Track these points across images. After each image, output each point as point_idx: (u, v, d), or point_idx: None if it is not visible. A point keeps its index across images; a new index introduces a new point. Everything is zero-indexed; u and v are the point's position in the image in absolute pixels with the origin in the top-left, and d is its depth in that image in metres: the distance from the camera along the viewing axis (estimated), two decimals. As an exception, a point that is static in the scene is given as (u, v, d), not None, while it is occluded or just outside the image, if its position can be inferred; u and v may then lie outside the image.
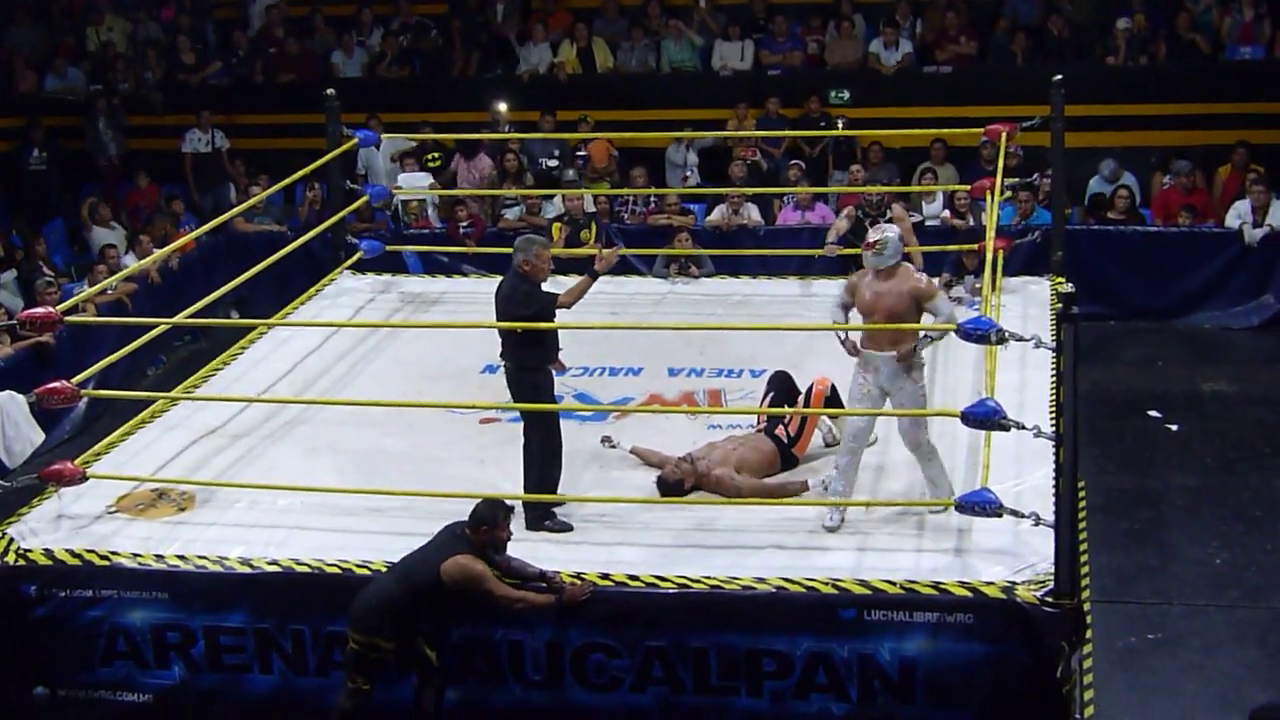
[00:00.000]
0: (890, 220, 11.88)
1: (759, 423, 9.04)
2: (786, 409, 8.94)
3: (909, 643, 7.30)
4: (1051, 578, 7.23)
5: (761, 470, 8.68)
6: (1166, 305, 14.22)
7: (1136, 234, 14.34)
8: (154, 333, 10.34)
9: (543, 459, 8.27)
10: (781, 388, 9.19)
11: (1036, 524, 7.40)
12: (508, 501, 7.60)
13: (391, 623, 7.32)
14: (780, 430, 8.89)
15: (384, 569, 7.61)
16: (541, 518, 8.21)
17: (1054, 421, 7.40)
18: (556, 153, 15.89)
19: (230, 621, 7.88)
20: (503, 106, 16.51)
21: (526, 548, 7.70)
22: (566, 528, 8.18)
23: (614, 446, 8.95)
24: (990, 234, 9.64)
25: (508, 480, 8.52)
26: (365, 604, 7.35)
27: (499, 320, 8.24)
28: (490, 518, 7.40)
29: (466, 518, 7.45)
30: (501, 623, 7.57)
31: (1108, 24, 16.53)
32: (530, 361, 8.22)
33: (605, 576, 7.58)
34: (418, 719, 7.62)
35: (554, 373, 8.37)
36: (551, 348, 8.31)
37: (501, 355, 8.36)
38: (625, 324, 10.98)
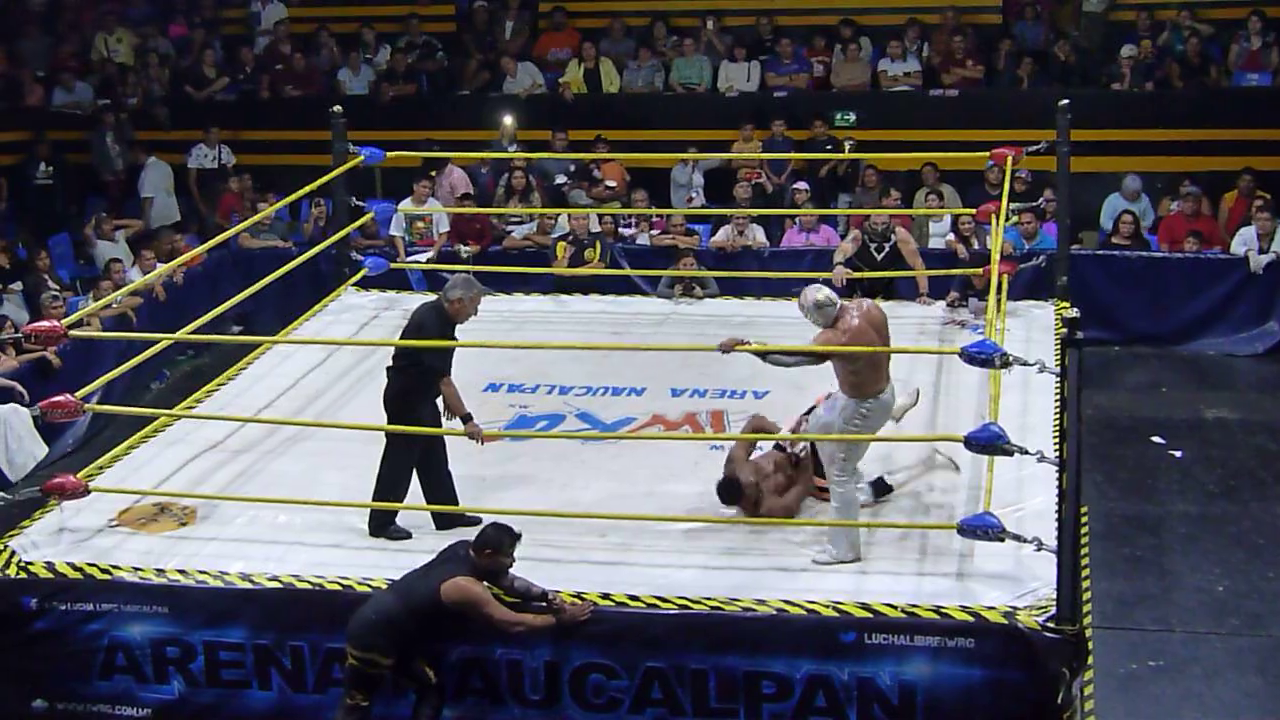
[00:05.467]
0: (895, 244, 11.91)
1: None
2: (785, 434, 8.86)
3: (909, 667, 7.28)
4: (1053, 603, 7.22)
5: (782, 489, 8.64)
6: (1170, 331, 14.22)
7: (1141, 259, 14.34)
8: (158, 348, 10.37)
9: (391, 486, 8.37)
10: None
11: (1038, 549, 7.39)
12: (514, 528, 7.57)
13: (389, 639, 7.31)
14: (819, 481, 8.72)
15: (384, 585, 7.60)
16: (384, 525, 8.37)
17: (1057, 446, 7.39)
18: (572, 168, 15.94)
19: (230, 637, 7.87)
20: (509, 119, 16.53)
21: (528, 567, 7.68)
22: (405, 535, 8.32)
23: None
24: (995, 258, 9.64)
25: (508, 498, 8.54)
26: (364, 620, 7.34)
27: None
28: (496, 542, 7.40)
29: (472, 538, 7.46)
30: (500, 642, 7.56)
31: (1114, 50, 16.58)
32: (413, 394, 8.36)
33: (605, 596, 7.57)
34: None
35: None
36: (432, 386, 8.36)
37: (388, 373, 8.49)
38: (628, 345, 10.99)
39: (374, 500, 8.39)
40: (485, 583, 7.39)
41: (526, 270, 13.48)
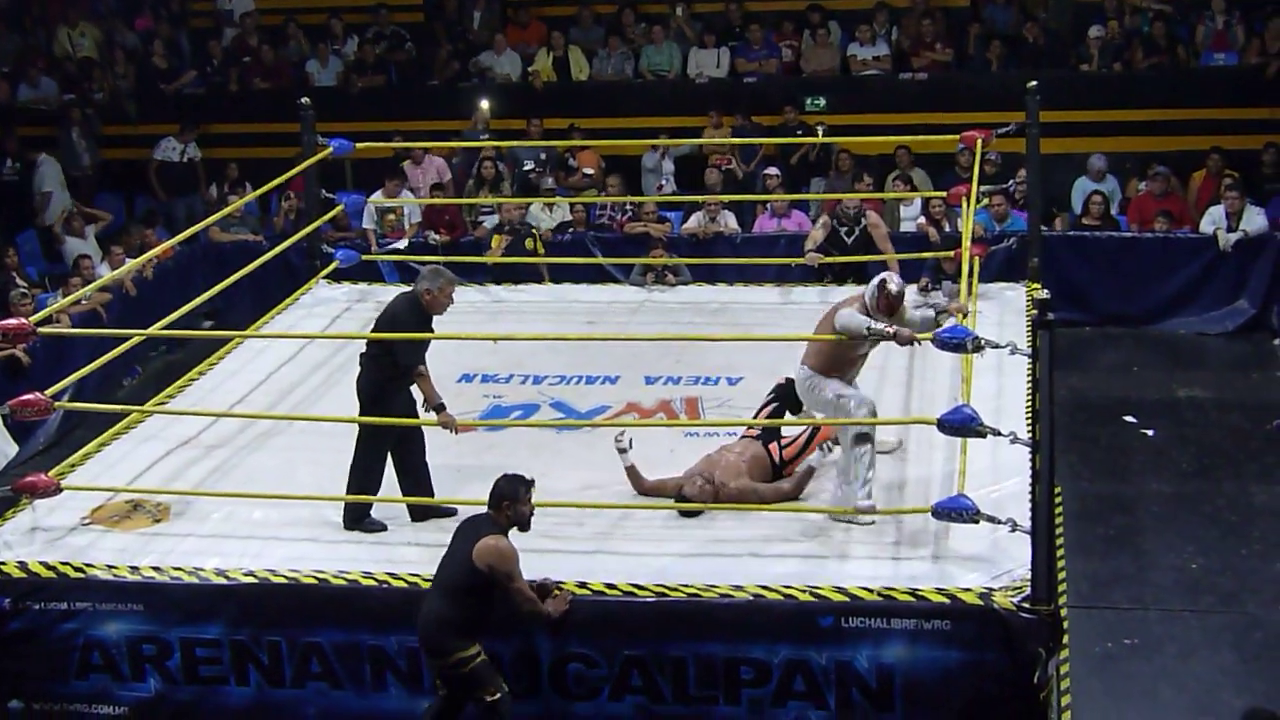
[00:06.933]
0: (865, 228, 11.94)
1: (748, 428, 8.93)
2: (769, 419, 8.87)
3: (887, 650, 7.30)
4: (1028, 584, 7.24)
5: (761, 478, 8.58)
6: (1142, 311, 14.28)
7: (1112, 240, 14.40)
8: (129, 344, 10.31)
9: (364, 477, 8.35)
10: (787, 398, 8.95)
11: (1013, 530, 7.40)
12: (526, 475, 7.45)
13: (457, 633, 7.18)
14: (774, 447, 8.68)
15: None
16: (359, 518, 8.34)
17: (1030, 428, 7.40)
18: (543, 156, 15.91)
19: (206, 633, 7.84)
20: (485, 104, 16.49)
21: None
22: (380, 527, 8.30)
23: (624, 450, 8.59)
24: (966, 241, 9.65)
25: (484, 488, 8.50)
26: (426, 629, 7.24)
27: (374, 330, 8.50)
28: (511, 492, 7.31)
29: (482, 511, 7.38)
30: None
31: (1082, 31, 16.62)
32: (388, 385, 8.36)
33: (583, 585, 7.56)
34: None
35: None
36: (408, 374, 8.38)
37: (361, 361, 8.48)
38: (602, 335, 10.97)
39: (348, 491, 8.37)
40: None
41: (501, 260, 13.40)
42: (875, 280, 8.24)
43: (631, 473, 8.60)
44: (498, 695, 7.24)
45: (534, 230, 13.97)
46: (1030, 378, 8.18)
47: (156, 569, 7.95)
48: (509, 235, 13.68)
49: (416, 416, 8.47)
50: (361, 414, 8.45)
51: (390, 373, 8.37)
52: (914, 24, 17.08)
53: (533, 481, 7.44)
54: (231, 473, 9.11)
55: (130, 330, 10.88)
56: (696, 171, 15.90)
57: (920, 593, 7.33)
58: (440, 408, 8.36)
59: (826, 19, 17.26)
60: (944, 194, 12.72)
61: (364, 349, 8.58)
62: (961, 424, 7.40)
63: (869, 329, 7.89)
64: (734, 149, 15.86)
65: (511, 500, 7.30)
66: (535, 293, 12.59)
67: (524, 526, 7.38)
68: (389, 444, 8.41)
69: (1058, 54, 16.71)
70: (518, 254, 13.41)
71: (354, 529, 8.34)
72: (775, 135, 16.02)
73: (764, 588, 7.44)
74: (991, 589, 7.30)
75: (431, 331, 8.54)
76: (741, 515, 8.24)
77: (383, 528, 8.34)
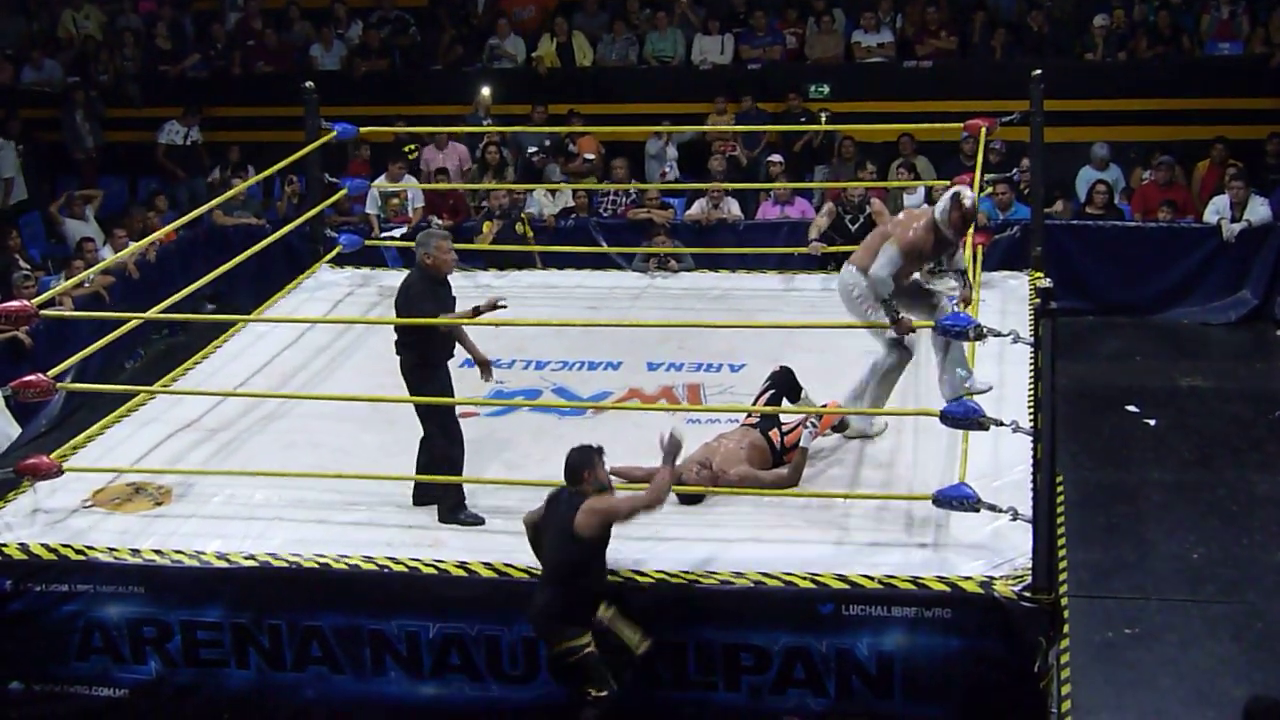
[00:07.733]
0: (870, 215, 11.93)
1: (747, 417, 8.95)
2: (768, 406, 8.86)
3: (887, 638, 7.30)
4: (1029, 573, 7.23)
5: (761, 465, 8.56)
6: (1145, 300, 14.27)
7: (1115, 229, 14.39)
8: (130, 326, 10.31)
9: (449, 453, 8.30)
10: (784, 385, 8.97)
11: (1014, 519, 7.40)
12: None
13: (568, 622, 7.14)
14: (775, 434, 8.63)
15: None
16: (454, 509, 8.22)
17: (1032, 417, 7.40)
18: (547, 142, 15.90)
19: (207, 616, 7.85)
20: (486, 91, 16.48)
21: (511, 541, 7.65)
22: (478, 520, 8.17)
23: None
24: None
25: (486, 473, 8.52)
26: (536, 617, 7.22)
27: (399, 313, 8.39)
28: (586, 461, 7.23)
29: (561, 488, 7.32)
30: (477, 619, 7.52)
31: (1087, 20, 16.60)
32: (431, 359, 8.31)
33: (583, 571, 7.56)
34: None
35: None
36: (446, 345, 8.37)
37: (396, 349, 8.42)
38: (605, 321, 10.97)
39: (440, 479, 8.27)
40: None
41: (502, 247, 13.40)
42: (948, 193, 8.05)
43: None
44: (604, 693, 7.13)
45: (524, 215, 13.94)
46: (1032, 366, 8.17)
47: (158, 552, 7.95)
48: (499, 221, 13.67)
49: (453, 397, 8.40)
50: (423, 409, 8.35)
51: (421, 355, 8.30)
52: (918, 11, 17.06)
53: (601, 449, 7.35)
54: (233, 456, 9.11)
55: (132, 313, 10.88)
56: (700, 158, 15.89)
57: (921, 580, 7.32)
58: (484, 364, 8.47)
59: (831, 6, 17.25)
60: (948, 182, 12.67)
61: (395, 343, 8.48)
62: (964, 416, 7.39)
63: (886, 303, 7.86)
64: (738, 135, 15.85)
65: (590, 468, 7.21)
66: (537, 278, 12.58)
67: (608, 489, 7.33)
68: (450, 419, 8.33)
69: (1062, 42, 16.69)
70: (509, 240, 13.39)
71: (449, 522, 8.15)
72: (779, 122, 16.00)
73: (764, 574, 7.44)
74: (992, 577, 7.29)
75: (452, 294, 8.49)
76: (741, 501, 8.24)
77: (479, 520, 8.17)
